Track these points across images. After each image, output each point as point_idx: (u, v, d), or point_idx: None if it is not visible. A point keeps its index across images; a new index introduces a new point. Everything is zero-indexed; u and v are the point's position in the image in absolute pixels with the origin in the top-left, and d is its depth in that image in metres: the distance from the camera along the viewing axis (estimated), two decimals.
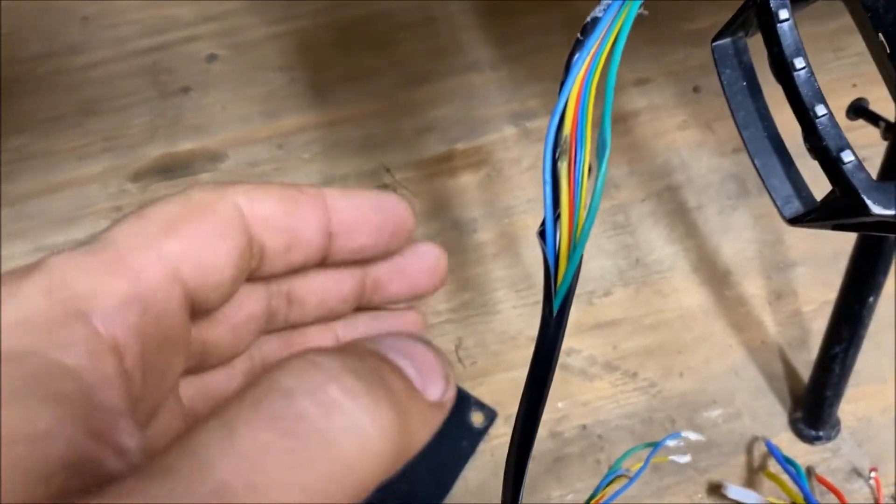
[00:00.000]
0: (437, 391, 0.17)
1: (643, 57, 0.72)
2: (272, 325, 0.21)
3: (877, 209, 0.27)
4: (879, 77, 0.29)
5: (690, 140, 0.68)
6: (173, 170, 0.68)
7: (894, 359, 0.58)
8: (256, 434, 0.13)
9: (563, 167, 0.22)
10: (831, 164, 0.27)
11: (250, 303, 0.20)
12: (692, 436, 0.47)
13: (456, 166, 0.68)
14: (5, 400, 0.13)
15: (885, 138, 0.46)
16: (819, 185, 0.28)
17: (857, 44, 0.30)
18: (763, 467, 0.56)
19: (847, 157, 0.27)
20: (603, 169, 0.21)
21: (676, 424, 0.57)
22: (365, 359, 0.15)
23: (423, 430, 0.16)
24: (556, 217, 0.22)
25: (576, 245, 0.22)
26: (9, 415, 0.13)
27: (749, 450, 0.57)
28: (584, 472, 0.56)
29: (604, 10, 0.23)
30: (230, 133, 0.69)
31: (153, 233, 0.17)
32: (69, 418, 0.14)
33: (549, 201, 0.22)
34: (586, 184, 0.22)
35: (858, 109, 0.47)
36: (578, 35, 0.22)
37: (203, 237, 0.18)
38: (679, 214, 0.65)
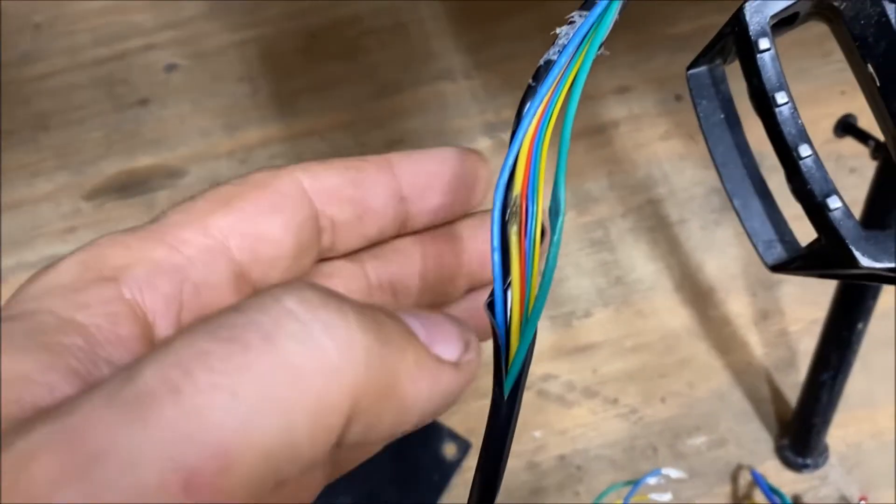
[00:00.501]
0: (451, 350, 0.16)
1: (622, 64, 0.69)
2: None
3: (866, 261, 0.24)
4: None
5: (672, 151, 0.65)
6: (130, 187, 0.65)
7: (894, 381, 0.56)
8: (193, 342, 0.13)
9: (513, 231, 0.20)
10: (816, 210, 0.24)
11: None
12: (673, 473, 0.44)
13: None
14: None
15: (874, 158, 0.43)
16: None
17: None
18: (748, 497, 0.53)
19: (834, 203, 0.24)
20: (557, 235, 0.19)
21: (659, 453, 0.55)
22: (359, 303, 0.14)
23: (425, 385, 0.15)
24: (507, 287, 0.20)
25: (528, 319, 0.20)
26: None
27: (734, 478, 0.54)
28: None
29: (558, 51, 0.20)
30: (190, 147, 0.66)
31: (202, 209, 0.17)
32: (62, 367, 0.14)
33: (498, 270, 0.20)
34: (538, 250, 0.20)
35: (847, 127, 0.45)
36: (530, 81, 0.20)
37: (254, 211, 0.18)
38: (661, 230, 0.63)
